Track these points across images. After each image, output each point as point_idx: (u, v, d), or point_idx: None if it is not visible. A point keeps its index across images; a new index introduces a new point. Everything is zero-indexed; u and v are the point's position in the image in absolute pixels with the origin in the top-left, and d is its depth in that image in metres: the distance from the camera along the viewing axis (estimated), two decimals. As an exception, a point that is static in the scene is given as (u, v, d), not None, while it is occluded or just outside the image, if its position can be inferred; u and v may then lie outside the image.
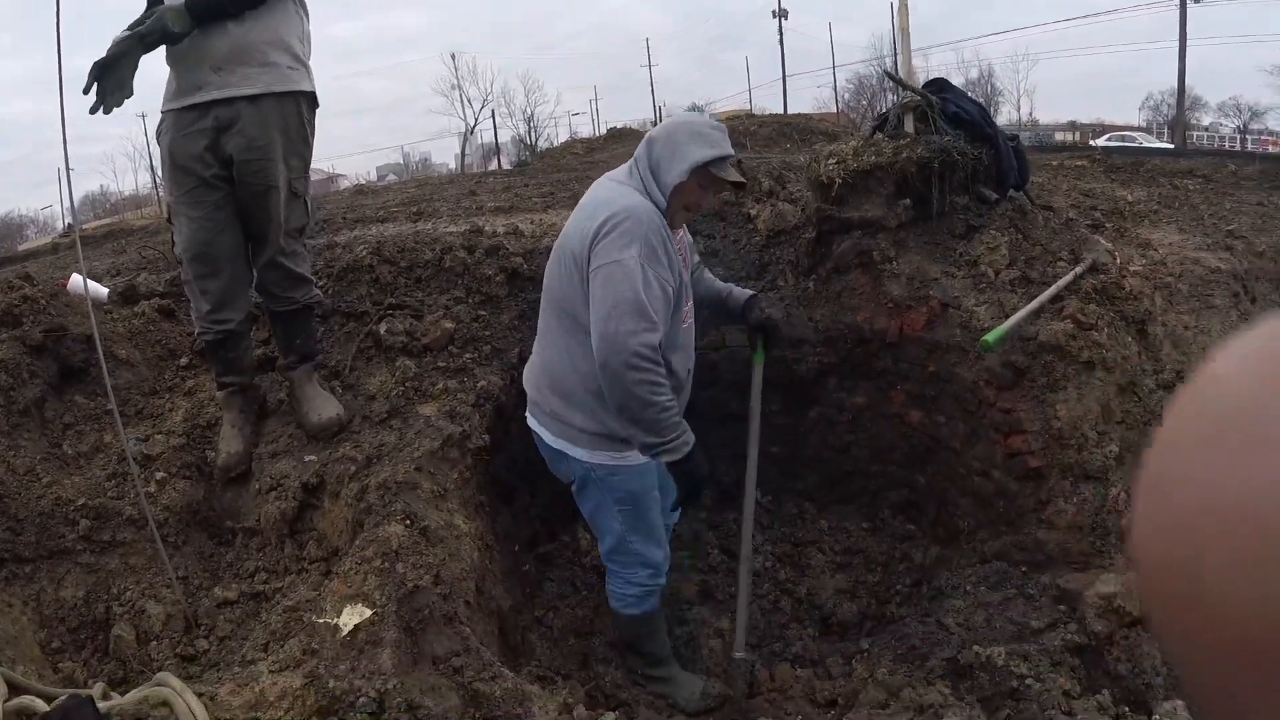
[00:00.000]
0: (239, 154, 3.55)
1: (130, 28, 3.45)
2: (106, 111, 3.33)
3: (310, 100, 3.77)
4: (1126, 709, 3.11)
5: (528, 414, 3.61)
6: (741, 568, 3.86)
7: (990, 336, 3.92)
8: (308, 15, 3.81)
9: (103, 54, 3.31)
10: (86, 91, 3.28)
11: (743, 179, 3.54)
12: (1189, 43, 35.23)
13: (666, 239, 3.28)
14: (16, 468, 3.62)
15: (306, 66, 3.75)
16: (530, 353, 3.72)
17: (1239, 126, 51.30)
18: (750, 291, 4.10)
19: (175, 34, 3.36)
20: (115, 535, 3.56)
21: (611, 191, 3.38)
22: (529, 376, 3.61)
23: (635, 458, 3.41)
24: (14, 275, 4.88)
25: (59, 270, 7.03)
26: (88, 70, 3.28)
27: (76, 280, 4.89)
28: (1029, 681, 3.24)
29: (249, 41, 3.50)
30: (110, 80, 3.31)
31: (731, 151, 3.41)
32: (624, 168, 3.50)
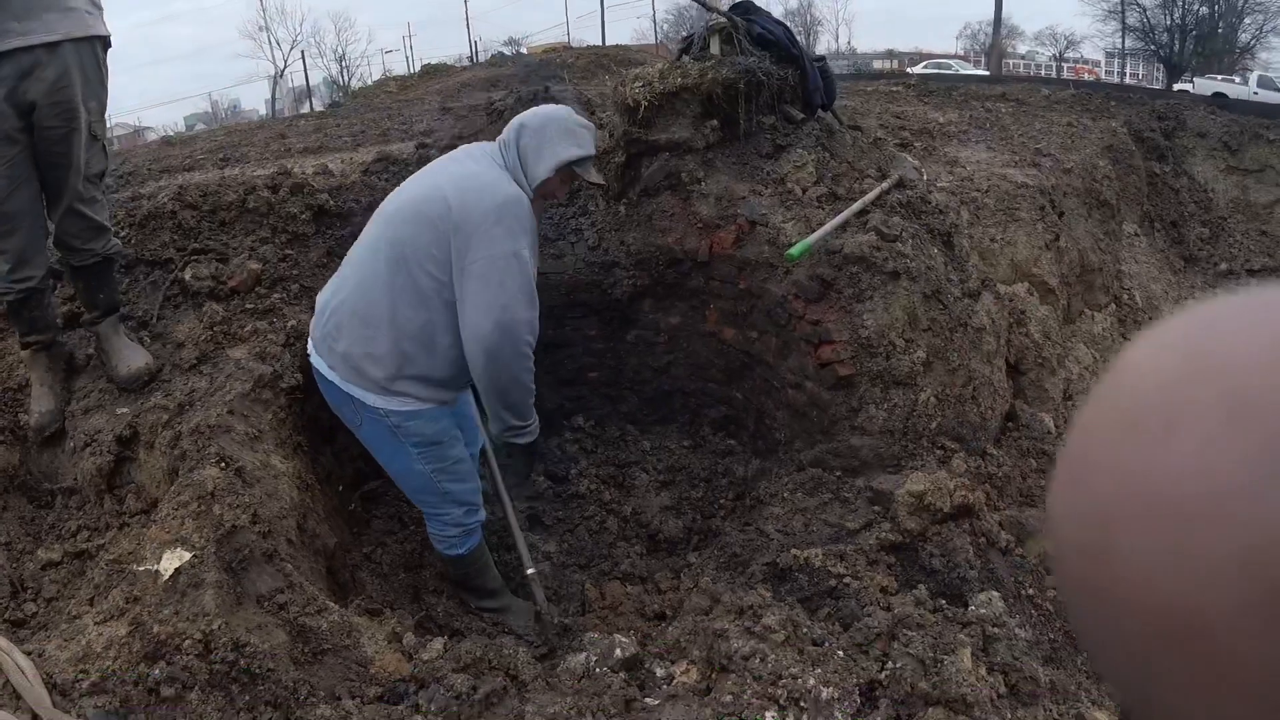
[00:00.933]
0: (42, 98, 3.40)
1: None
2: None
3: (105, 43, 3.65)
4: (943, 601, 3.22)
5: (314, 351, 3.48)
6: (507, 506, 4.01)
7: (794, 249, 4.03)
8: None
9: None
10: None
11: (603, 181, 3.82)
12: (1007, -30, 36.26)
13: (536, 232, 3.42)
14: None
15: (100, 9, 3.62)
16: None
17: (1055, 55, 53.38)
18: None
19: None
20: None
21: (492, 173, 3.38)
22: (329, 316, 3.44)
23: (430, 405, 3.44)
24: None
25: None
26: None
27: None
28: (847, 580, 3.35)
29: None
30: None
31: (595, 151, 3.58)
32: (492, 147, 3.54)
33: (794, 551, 3.57)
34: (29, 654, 2.52)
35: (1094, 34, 47.79)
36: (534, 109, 3.68)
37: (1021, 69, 43.16)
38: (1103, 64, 48.12)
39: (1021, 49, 56.94)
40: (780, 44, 5.05)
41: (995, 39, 38.64)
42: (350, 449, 4.38)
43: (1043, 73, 42.05)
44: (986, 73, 31.26)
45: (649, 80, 4.82)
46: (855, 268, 4.26)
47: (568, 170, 3.48)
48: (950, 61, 43.64)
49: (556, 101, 5.59)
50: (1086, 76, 38.26)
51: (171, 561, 2.84)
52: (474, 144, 3.67)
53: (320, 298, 3.57)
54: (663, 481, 4.85)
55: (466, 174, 3.38)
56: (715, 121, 4.79)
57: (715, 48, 5.07)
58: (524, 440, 3.58)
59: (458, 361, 3.36)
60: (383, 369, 3.31)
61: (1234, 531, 0.34)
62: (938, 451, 4.06)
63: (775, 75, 4.87)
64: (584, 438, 5.09)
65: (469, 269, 3.20)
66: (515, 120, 3.58)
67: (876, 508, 3.83)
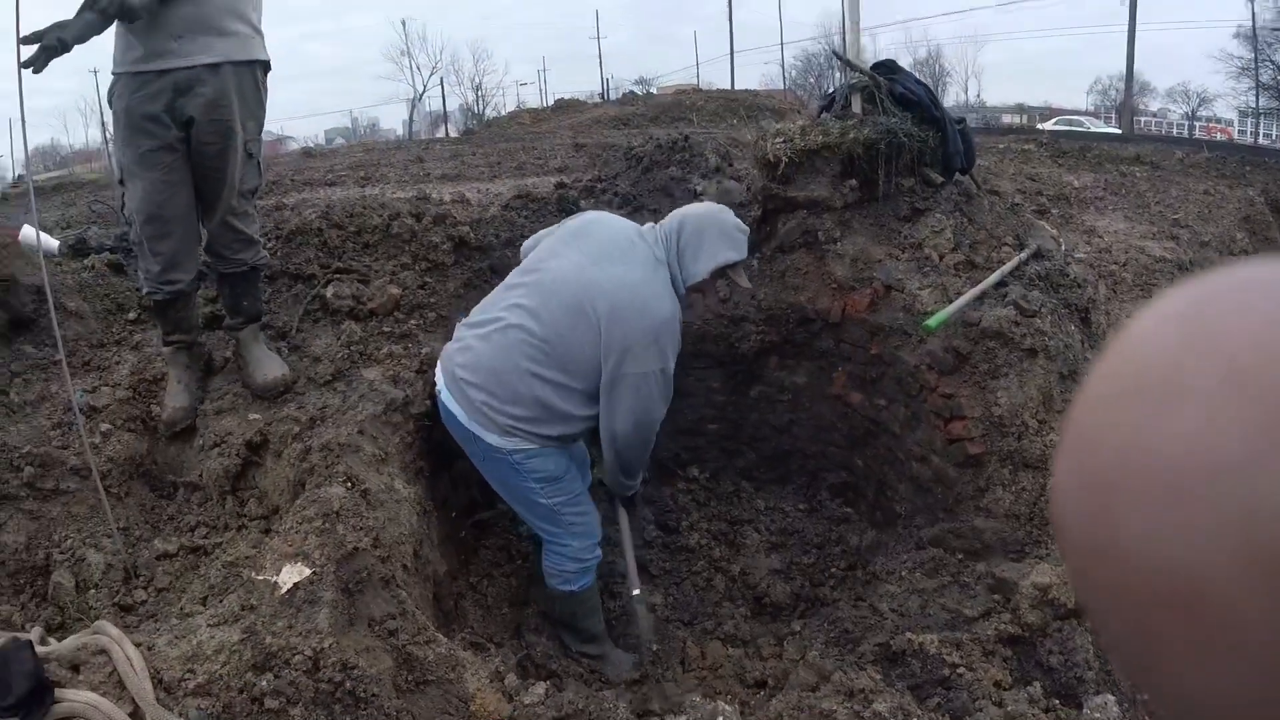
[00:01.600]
0: (200, 114, 3.55)
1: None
2: (36, 71, 3.25)
3: (265, 67, 3.81)
4: (1057, 702, 3.10)
5: (441, 383, 3.64)
6: (621, 520, 4.07)
7: (931, 320, 3.96)
8: None
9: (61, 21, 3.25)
10: (32, 61, 3.20)
11: (751, 287, 4.09)
12: (1138, 27, 35.48)
13: (679, 336, 3.63)
14: (-38, 413, 3.56)
15: (260, 34, 3.77)
16: (469, 317, 3.76)
17: (1187, 113, 51.95)
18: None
19: (135, 9, 3.31)
20: (59, 484, 3.54)
21: (652, 284, 3.55)
22: (465, 363, 3.55)
23: (552, 444, 3.58)
24: (-39, 226, 4.82)
25: (8, 221, 6.92)
26: (44, 29, 3.20)
27: (27, 231, 4.85)
28: (961, 670, 3.23)
29: (208, 11, 3.50)
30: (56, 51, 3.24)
31: (747, 255, 3.77)
32: (651, 238, 3.69)
33: (909, 635, 3.45)
34: (138, 645, 2.56)
35: (1227, 92, 46.22)
36: (696, 206, 3.89)
37: (1153, 127, 42.12)
38: (1235, 123, 46.70)
39: (1153, 106, 55.60)
40: (922, 105, 4.98)
41: (1127, 97, 37.62)
42: (468, 476, 4.43)
43: (1174, 131, 40.95)
44: (1118, 131, 30.52)
45: (790, 137, 4.80)
46: (992, 342, 4.16)
47: (722, 273, 3.66)
48: (1081, 118, 42.78)
49: (695, 152, 5.63)
50: (1219, 136, 37.14)
51: (291, 575, 2.88)
52: (635, 230, 3.76)
53: (460, 334, 3.69)
54: (774, 543, 4.77)
55: (630, 283, 3.49)
56: (854, 181, 4.75)
57: (857, 106, 5.03)
58: (627, 494, 3.97)
59: (584, 430, 3.64)
60: (508, 420, 3.45)
61: (1233, 498, 0.34)
62: (1064, 540, 3.91)
63: (916, 137, 4.81)
64: (697, 490, 5.05)
65: (620, 379, 3.43)
66: (678, 215, 3.77)
67: (997, 596, 3.70)
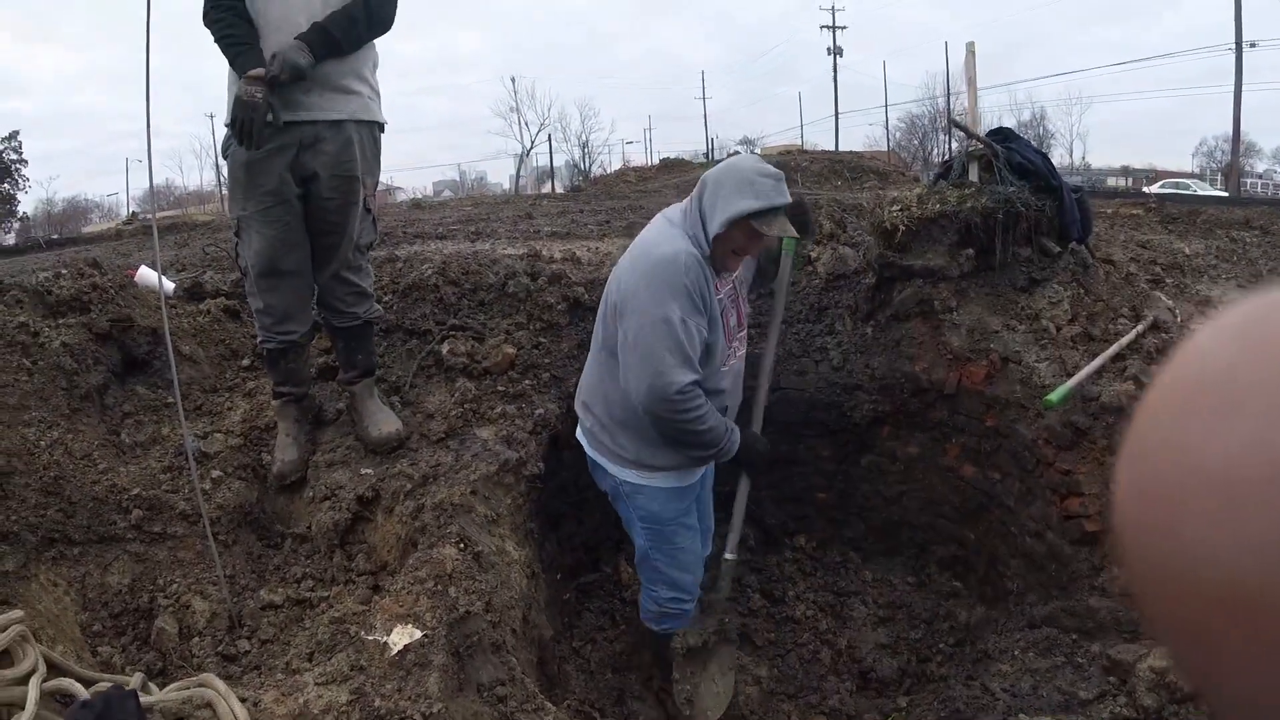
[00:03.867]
0: (324, 169, 3.65)
1: (239, 71, 3.48)
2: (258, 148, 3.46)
3: (381, 127, 3.91)
4: None
5: (579, 429, 3.73)
6: (741, 484, 3.88)
7: (1054, 395, 3.88)
8: (377, 47, 3.92)
9: (239, 109, 3.41)
10: (243, 143, 3.43)
11: (795, 234, 3.40)
12: (1244, 87, 34.77)
13: (705, 287, 3.25)
14: (74, 451, 3.65)
15: (379, 95, 3.88)
16: None
17: (1295, 173, 50.65)
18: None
19: (305, 68, 3.46)
20: (166, 528, 3.57)
21: (660, 234, 3.36)
22: (579, 393, 3.73)
23: (661, 481, 3.52)
24: (83, 262, 4.99)
25: (121, 256, 7.14)
26: (236, 127, 3.41)
27: (144, 272, 4.98)
28: (1076, 753, 3.17)
29: (329, 70, 3.61)
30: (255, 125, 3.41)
31: (781, 201, 3.25)
32: (680, 207, 3.48)
33: (1022, 717, 3.38)
34: (244, 701, 2.56)
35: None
36: (723, 162, 3.58)
37: (1259, 188, 41.06)
38: (1344, 181, 45.51)
39: (1259, 167, 54.38)
40: (1039, 173, 4.92)
41: (1234, 158, 36.84)
42: (574, 539, 4.44)
43: (1280, 193, 39.86)
44: (1225, 193, 29.77)
45: (907, 205, 4.77)
46: (1111, 418, 4.06)
47: (746, 224, 3.22)
48: (1188, 181, 41.93)
49: (810, 218, 5.58)
50: (1326, 195, 36.01)
51: (402, 637, 2.88)
52: (657, 218, 3.58)
53: None
54: (881, 617, 4.67)
55: (636, 244, 3.44)
56: (971, 250, 4.69)
57: (974, 174, 4.99)
58: (725, 459, 3.53)
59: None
60: (611, 436, 3.49)
61: None
62: (1180, 621, 3.79)
63: (1033, 206, 4.75)
64: (804, 559, 4.99)
65: (622, 337, 3.27)
66: (703, 177, 3.45)
67: (1112, 678, 3.58)
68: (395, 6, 3.77)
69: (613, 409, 3.46)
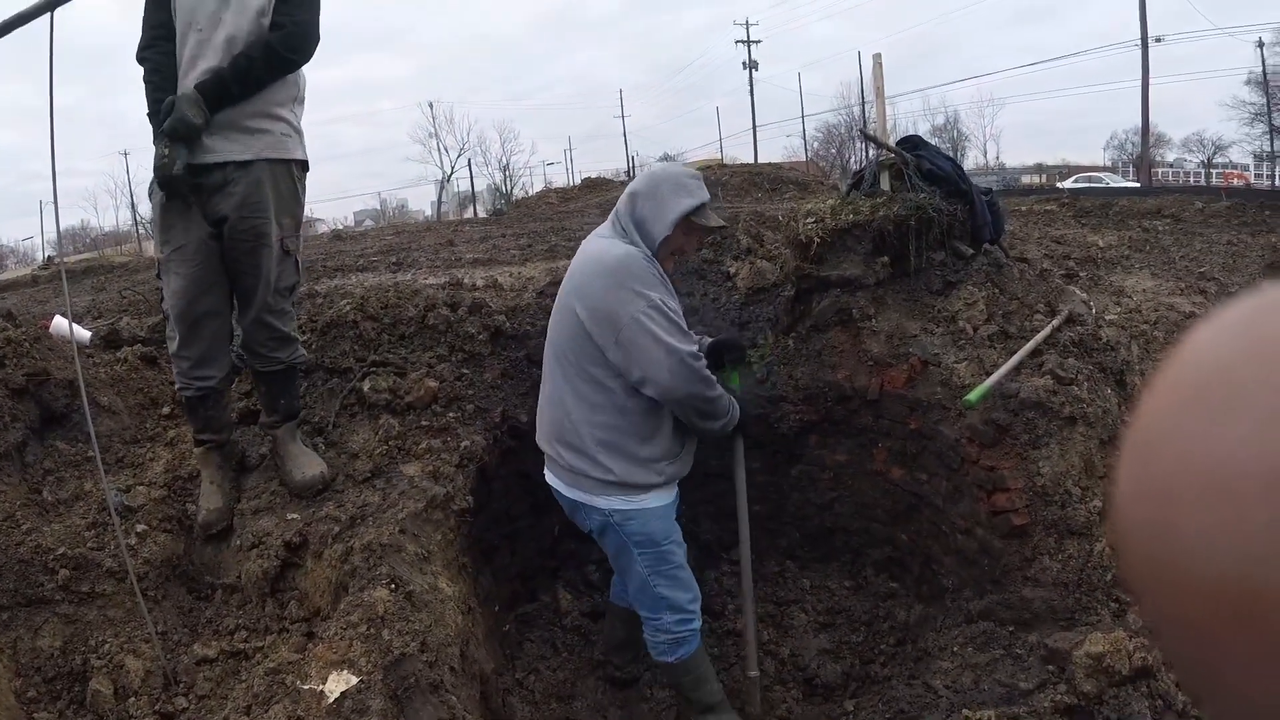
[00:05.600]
0: (232, 212, 3.59)
1: (154, 127, 3.49)
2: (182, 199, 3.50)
3: (302, 165, 3.85)
4: None
5: (546, 470, 3.69)
6: (745, 596, 4.00)
7: (972, 395, 3.95)
8: (304, 80, 3.85)
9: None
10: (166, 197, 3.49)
11: (723, 223, 3.80)
12: (1151, 81, 35.82)
13: (665, 278, 3.49)
14: (-4, 512, 3.56)
15: (299, 132, 3.82)
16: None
17: (1203, 161, 52.22)
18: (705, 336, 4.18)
19: (198, 125, 3.43)
20: (95, 586, 3.50)
21: (604, 246, 3.50)
22: (540, 434, 3.70)
23: (650, 501, 3.52)
24: (-3, 315, 4.86)
25: (38, 304, 6.96)
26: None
27: (59, 322, 4.88)
28: (1021, 745, 3.21)
29: (240, 109, 3.56)
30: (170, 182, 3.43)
31: (709, 197, 3.59)
32: (607, 224, 3.62)
33: (965, 712, 3.42)
34: None
35: (1241, 138, 46.73)
36: (641, 173, 3.81)
37: (1170, 177, 42.29)
38: (1252, 168, 46.98)
39: (1169, 156, 55.99)
40: (949, 179, 5.02)
41: (1144, 149, 37.96)
42: (509, 569, 4.40)
43: (1192, 180, 41.09)
44: (1137, 184, 30.61)
45: (821, 216, 4.83)
46: (1031, 413, 4.15)
47: (688, 222, 3.52)
48: (1100, 174, 42.99)
49: (726, 233, 5.67)
50: (1236, 182, 37.22)
51: (338, 684, 2.86)
52: (588, 239, 3.75)
53: (537, 428, 3.77)
54: (822, 623, 4.70)
55: (583, 263, 3.53)
56: (886, 258, 4.76)
57: (886, 184, 5.07)
58: (731, 428, 3.77)
59: (648, 424, 3.51)
60: (596, 465, 3.45)
61: None
62: (1113, 605, 3.87)
63: (945, 211, 4.84)
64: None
65: (621, 341, 3.33)
66: (628, 189, 3.67)
67: (1051, 667, 3.65)
68: (307, 40, 3.71)
69: (596, 431, 3.45)
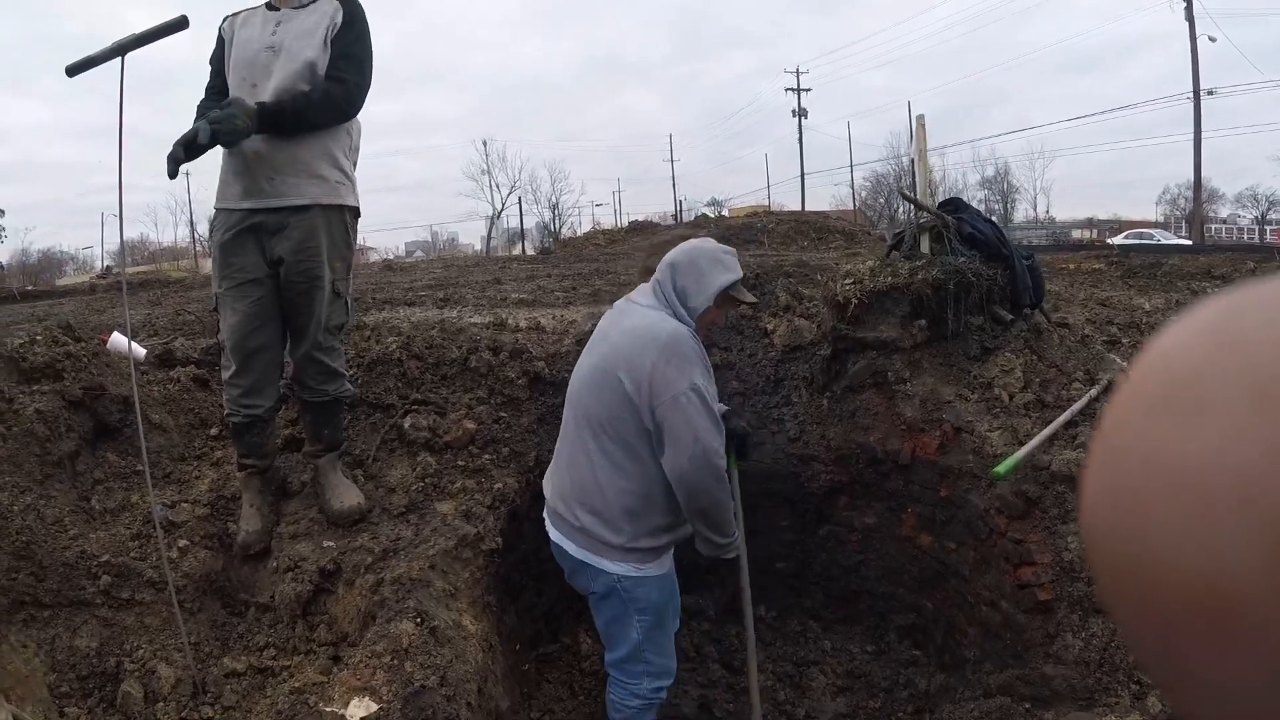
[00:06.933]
0: (288, 255, 3.73)
1: (200, 114, 3.59)
2: (171, 177, 3.45)
3: (354, 212, 3.98)
4: None
5: (551, 528, 3.65)
6: (749, 655, 3.96)
7: (1001, 467, 3.95)
8: (358, 129, 4.01)
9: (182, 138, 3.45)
10: (173, 176, 3.46)
11: (756, 299, 3.89)
12: (1204, 134, 35.36)
13: (706, 357, 3.54)
14: (46, 517, 3.70)
15: (352, 180, 3.95)
16: (548, 459, 3.79)
17: (1257, 216, 51.50)
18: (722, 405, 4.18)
19: (241, 128, 3.50)
20: (134, 594, 3.61)
21: (651, 319, 3.54)
22: (554, 490, 3.66)
23: (654, 569, 3.53)
24: (57, 328, 5.06)
25: (95, 313, 7.13)
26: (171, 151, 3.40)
27: (117, 339, 5.02)
28: (1031, 824, 3.20)
29: (299, 155, 3.71)
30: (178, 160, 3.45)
31: (743, 274, 3.69)
32: (647, 291, 3.70)
33: (976, 787, 3.42)
34: None
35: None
36: (679, 246, 3.83)
37: (1224, 233, 41.66)
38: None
39: (1223, 212, 55.19)
40: (989, 243, 5.03)
41: (1196, 205, 37.27)
42: (534, 610, 4.46)
43: (1245, 236, 40.45)
44: (1189, 241, 30.19)
45: (859, 278, 4.88)
46: (1062, 487, 4.14)
47: (725, 296, 3.62)
48: (1152, 231, 42.50)
49: (764, 290, 5.73)
50: (1290, 239, 36.61)
51: (358, 710, 2.92)
52: (626, 297, 3.81)
53: (546, 480, 3.75)
54: (840, 686, 4.70)
55: (627, 330, 3.54)
56: (923, 321, 4.79)
57: (925, 246, 5.10)
58: (731, 555, 3.71)
59: (673, 501, 3.51)
60: (617, 532, 3.45)
61: (1257, 508, 0.35)
62: (1133, 686, 3.82)
63: (984, 276, 4.86)
64: (763, 629, 4.98)
65: (657, 416, 3.36)
66: (664, 260, 3.74)
67: (1065, 748, 3.64)
68: (359, 97, 3.85)
69: (624, 499, 3.45)
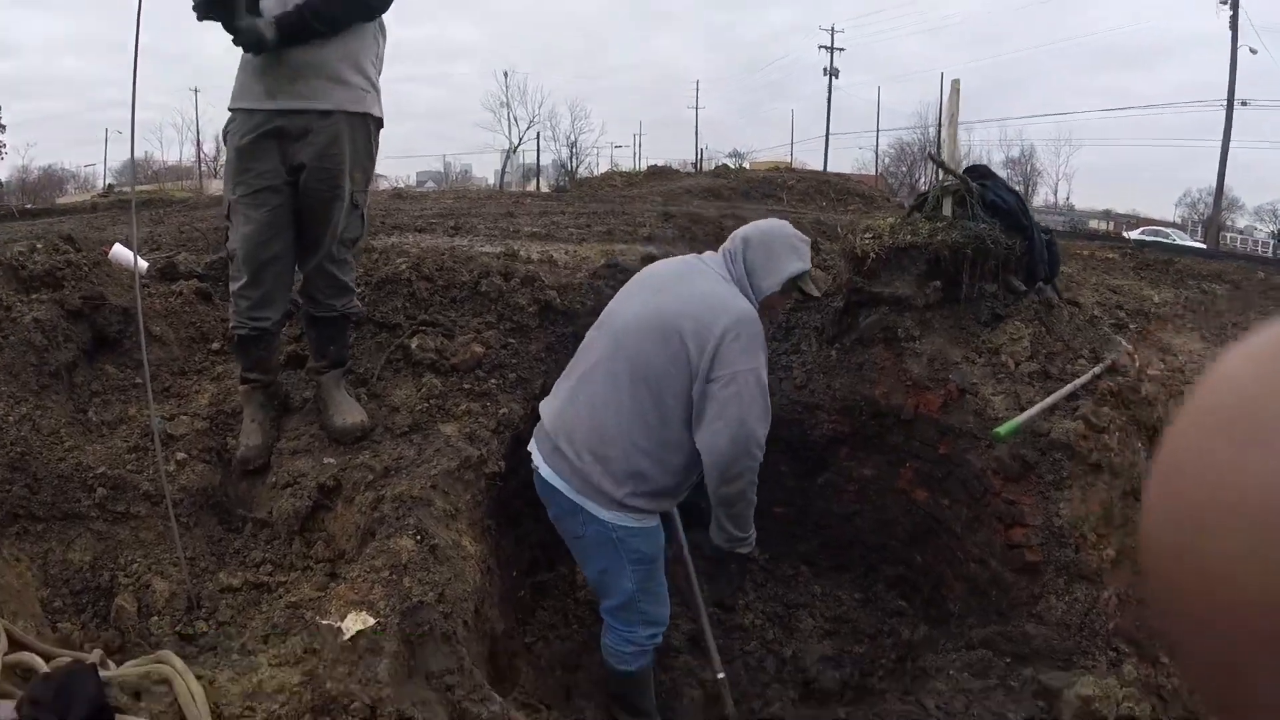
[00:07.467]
0: (311, 161, 3.67)
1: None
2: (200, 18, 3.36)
3: (378, 123, 3.92)
4: None
5: (543, 463, 3.57)
6: (701, 611, 4.07)
7: (1002, 429, 3.98)
8: (385, 38, 3.93)
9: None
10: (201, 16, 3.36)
11: (819, 293, 3.92)
12: (1231, 143, 35.25)
13: (765, 342, 3.51)
14: (41, 428, 3.68)
15: (377, 89, 3.88)
16: (552, 390, 3.76)
17: (1273, 232, 51.26)
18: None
19: (268, 44, 3.47)
20: (130, 507, 3.59)
21: (724, 292, 3.49)
22: (560, 426, 3.54)
23: (649, 521, 3.52)
24: (58, 237, 4.99)
25: (96, 230, 7.08)
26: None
27: (118, 250, 4.97)
28: (1002, 773, 3.26)
29: (326, 57, 3.63)
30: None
31: (812, 265, 3.69)
32: (718, 260, 3.64)
33: (953, 734, 3.48)
34: (200, 679, 2.61)
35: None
36: (756, 223, 3.79)
37: (1238, 243, 41.52)
38: (1322, 247, 46.05)
39: (1240, 222, 55.01)
40: (1011, 213, 5.03)
41: (1215, 211, 37.26)
42: (531, 536, 4.49)
43: (1259, 249, 40.35)
44: (1203, 245, 30.12)
45: (879, 234, 4.88)
46: (1059, 454, 4.18)
47: (790, 283, 3.59)
48: (1168, 230, 42.30)
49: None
50: (1304, 258, 36.49)
51: (355, 624, 2.92)
52: (695, 256, 3.75)
53: (547, 411, 3.66)
54: (827, 630, 4.76)
55: (699, 294, 3.46)
56: (938, 282, 4.79)
57: (947, 209, 5.09)
58: (744, 550, 3.75)
59: (685, 473, 3.49)
60: (618, 485, 3.38)
61: None
62: (1110, 653, 3.89)
63: (1003, 244, 4.85)
64: (757, 571, 5.08)
65: (710, 389, 3.30)
66: (739, 234, 3.68)
67: (1041, 703, 3.68)
68: None
69: (637, 457, 3.38)
